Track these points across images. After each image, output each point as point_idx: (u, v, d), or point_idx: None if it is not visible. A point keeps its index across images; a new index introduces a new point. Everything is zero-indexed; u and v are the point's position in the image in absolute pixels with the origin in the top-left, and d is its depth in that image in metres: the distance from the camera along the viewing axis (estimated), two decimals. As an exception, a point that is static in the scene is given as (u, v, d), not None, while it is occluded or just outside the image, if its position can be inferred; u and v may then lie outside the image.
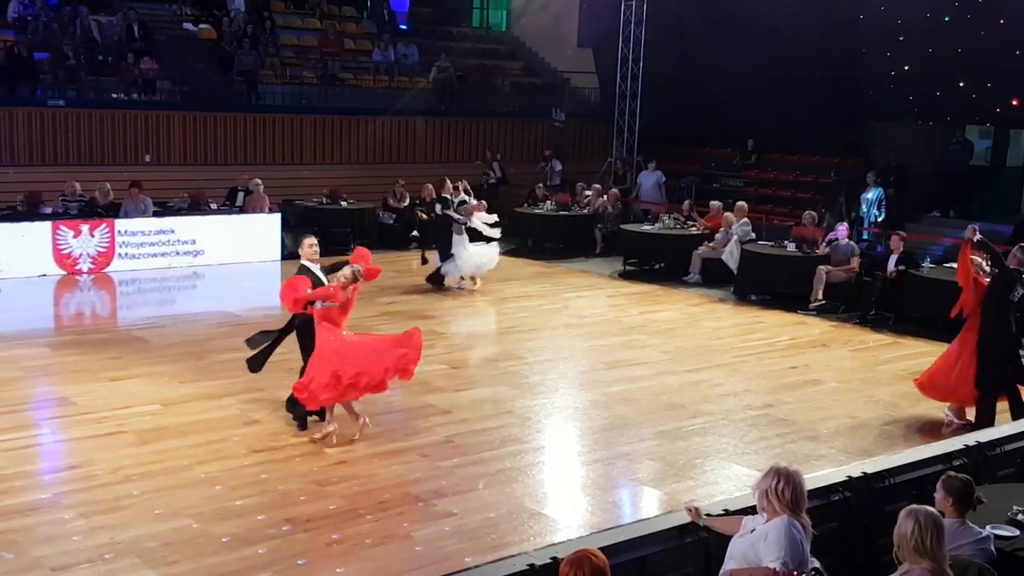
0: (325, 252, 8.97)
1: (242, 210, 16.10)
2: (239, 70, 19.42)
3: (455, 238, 13.88)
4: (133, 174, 16.22)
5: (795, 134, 18.62)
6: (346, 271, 7.93)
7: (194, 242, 15.04)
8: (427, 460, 7.71)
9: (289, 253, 14.97)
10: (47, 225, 13.98)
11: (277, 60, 20.51)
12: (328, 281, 8.03)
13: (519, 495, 7.14)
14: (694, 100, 19.48)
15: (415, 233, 17.68)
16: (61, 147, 17.04)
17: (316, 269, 8.20)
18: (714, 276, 15.03)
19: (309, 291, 7.89)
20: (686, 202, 17.12)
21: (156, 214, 15.21)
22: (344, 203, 17.40)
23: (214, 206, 16.04)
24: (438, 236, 14.24)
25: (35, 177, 16.01)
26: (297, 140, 19.57)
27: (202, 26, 20.40)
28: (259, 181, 16.31)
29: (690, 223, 16.27)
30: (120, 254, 14.44)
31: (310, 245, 8.32)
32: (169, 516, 6.49)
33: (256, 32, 20.32)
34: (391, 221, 17.85)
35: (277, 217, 15.98)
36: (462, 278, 14.22)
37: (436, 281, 14.21)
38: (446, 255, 13.97)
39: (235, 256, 15.16)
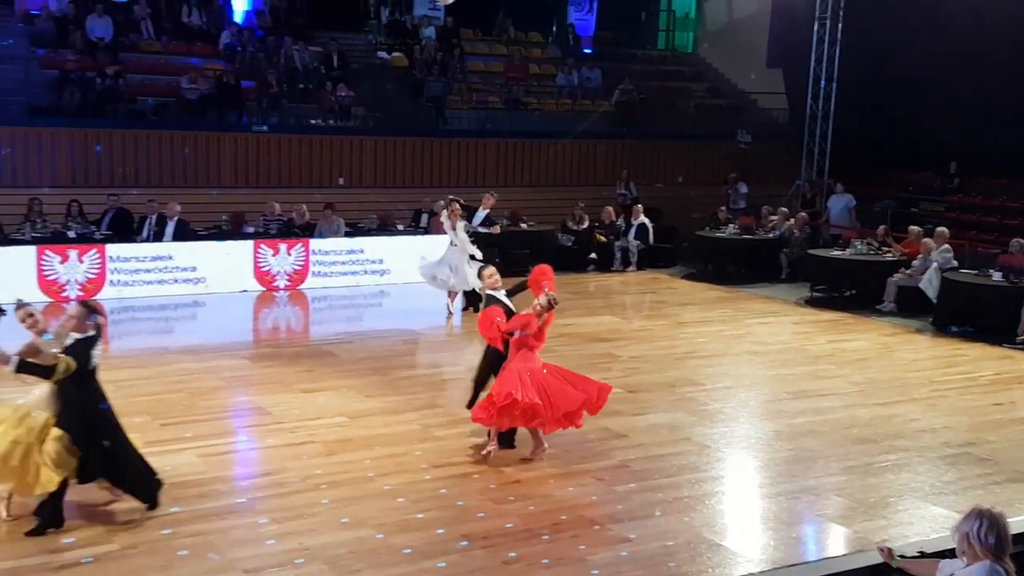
0: (505, 273, 9.08)
1: (426, 231, 16.56)
2: (428, 96, 20.06)
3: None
4: (327, 196, 16.99)
5: (1003, 157, 17.49)
6: (541, 299, 8.00)
7: (381, 262, 15.57)
8: (602, 484, 7.64)
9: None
10: (249, 244, 14.82)
11: (464, 86, 21.05)
12: (511, 304, 8.11)
13: (697, 525, 6.96)
14: (890, 121, 18.66)
15: (593, 255, 17.71)
16: (263, 170, 18.04)
17: (503, 296, 8.32)
18: (910, 305, 14.27)
19: (504, 323, 8.02)
20: (881, 227, 16.36)
21: (347, 234, 15.87)
22: (524, 225, 17.62)
23: (400, 227, 16.59)
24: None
25: (239, 198, 17.02)
26: (480, 163, 19.98)
27: (395, 54, 21.19)
28: (443, 203, 16.73)
29: (884, 249, 15.54)
30: (314, 272, 15.12)
31: (490, 275, 8.46)
32: (354, 525, 6.69)
33: (445, 59, 20.95)
34: (570, 243, 17.94)
35: (460, 238, 16.32)
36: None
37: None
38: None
39: (419, 276, 15.57)
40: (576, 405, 7.92)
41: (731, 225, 17.71)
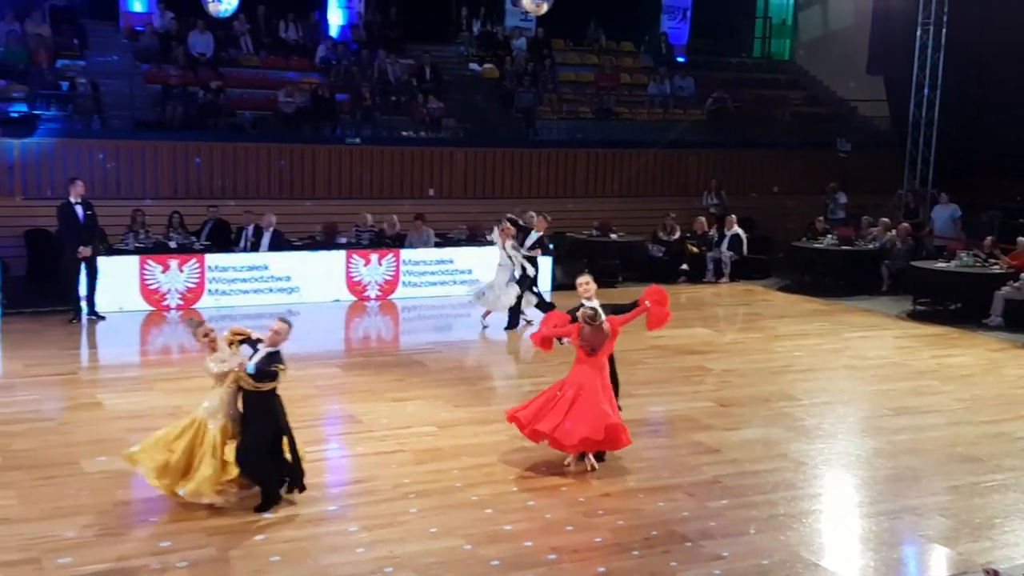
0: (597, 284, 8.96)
1: (517, 242, 16.55)
2: (518, 107, 20.10)
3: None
4: (417, 207, 17.14)
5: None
6: (586, 310, 7.91)
7: (471, 272, 15.61)
8: (694, 499, 7.47)
9: (559, 284, 15.21)
10: (341, 254, 15.03)
11: (555, 96, 21.03)
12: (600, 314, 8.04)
13: (793, 543, 6.74)
14: (998, 129, 17.94)
15: (685, 267, 17.46)
16: (356, 182, 18.31)
17: (594, 305, 8.21)
18: (1018, 319, 13.70)
19: (550, 328, 8.04)
20: (988, 238, 15.72)
21: (437, 245, 15.97)
22: (614, 236, 17.47)
23: (490, 237, 16.59)
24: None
25: (332, 209, 17.29)
26: (570, 174, 19.91)
27: (486, 66, 21.30)
28: (533, 214, 16.69)
29: (991, 261, 14.93)
30: (404, 282, 15.24)
31: (582, 284, 8.36)
32: (443, 535, 6.67)
33: (536, 70, 20.97)
34: (660, 254, 17.72)
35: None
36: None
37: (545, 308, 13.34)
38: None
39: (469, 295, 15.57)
40: (595, 436, 7.70)
41: (829, 236, 17.26)
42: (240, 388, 6.94)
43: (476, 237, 16.46)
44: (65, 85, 17.10)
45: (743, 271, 17.66)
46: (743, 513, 7.22)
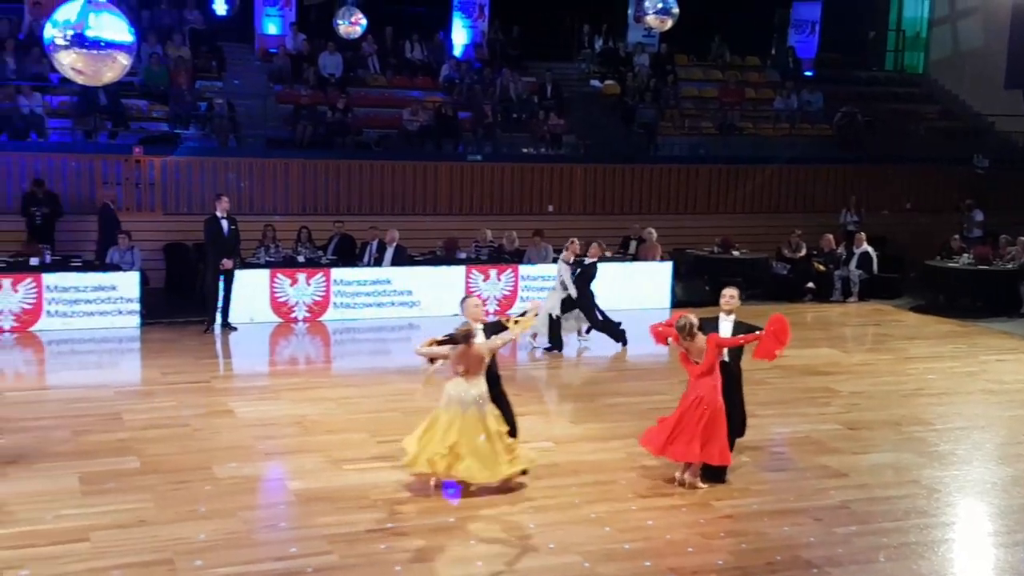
0: (715, 302, 8.82)
1: (635, 258, 16.44)
2: (640, 123, 20.01)
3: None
4: (537, 223, 17.22)
5: None
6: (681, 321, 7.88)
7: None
8: (820, 524, 7.23)
9: (679, 301, 15.02)
10: (461, 269, 15.21)
11: (677, 112, 20.85)
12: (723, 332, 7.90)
13: (925, 573, 6.46)
14: None
15: (810, 285, 17.00)
16: (476, 198, 18.54)
17: (723, 320, 8.08)
18: None
19: (660, 329, 8.04)
20: None
21: (555, 260, 15.97)
22: (736, 252, 17.17)
23: (608, 253, 16.54)
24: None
25: (453, 225, 17.54)
26: (691, 189, 19.69)
27: (607, 82, 21.29)
28: (652, 230, 16.58)
29: None
30: (522, 297, 15.30)
31: (726, 295, 8.24)
32: (560, 551, 6.64)
33: (658, 85, 20.85)
34: (784, 272, 17.31)
35: (669, 266, 16.12)
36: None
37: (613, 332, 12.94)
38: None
39: (626, 303, 15.43)
40: (693, 447, 7.63)
41: (965, 255, 16.54)
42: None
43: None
44: (203, 105, 17.89)
45: (872, 290, 17.08)
46: (872, 540, 6.95)
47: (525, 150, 19.31)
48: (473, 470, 7.44)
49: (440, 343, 7.77)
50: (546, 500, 7.54)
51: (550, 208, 18.92)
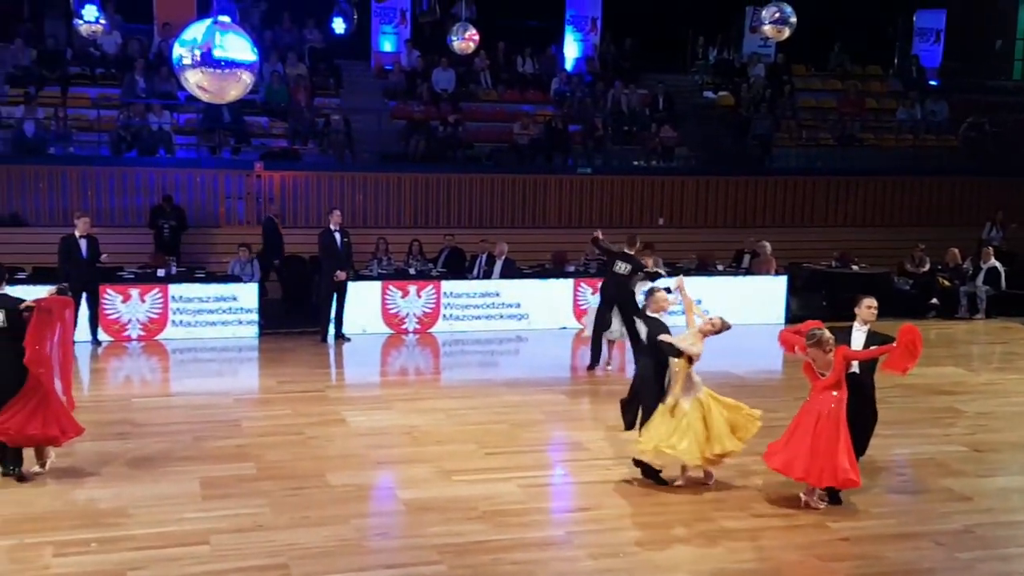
0: (833, 317, 8.58)
1: (748, 272, 16.12)
2: (754, 134, 19.67)
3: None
4: (647, 236, 17.04)
5: None
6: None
7: (699, 303, 15.27)
8: (943, 549, 6.92)
9: (794, 316, 14.64)
10: (569, 282, 15.18)
11: (793, 123, 20.42)
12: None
13: (1059, 607, 6.11)
14: None
15: (934, 301, 16.38)
16: (585, 211, 18.50)
17: (856, 331, 7.82)
18: None
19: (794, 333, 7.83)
20: None
21: (668, 274, 15.80)
22: (855, 267, 16.66)
23: (720, 267, 16.28)
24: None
25: (561, 238, 17.55)
26: (808, 202, 19.23)
27: (721, 93, 21.02)
28: (767, 244, 16.23)
29: None
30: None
31: (866, 305, 7.99)
32: (669, 569, 6.53)
33: (774, 96, 20.46)
34: (907, 287, 16.70)
35: (783, 280, 15.75)
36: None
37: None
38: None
39: (740, 317, 15.06)
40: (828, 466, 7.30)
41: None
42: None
43: (706, 266, 16.18)
44: (321, 122, 18.39)
45: (1000, 307, 16.33)
46: (997, 567, 6.63)
47: (636, 163, 19.19)
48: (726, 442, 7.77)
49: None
50: (652, 517, 7.43)
51: (660, 221, 18.75)
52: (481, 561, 6.59)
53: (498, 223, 17.87)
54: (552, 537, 7.08)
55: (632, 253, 12.03)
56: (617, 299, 11.90)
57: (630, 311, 11.46)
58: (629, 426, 8.25)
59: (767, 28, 11.81)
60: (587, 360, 12.24)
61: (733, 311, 14.13)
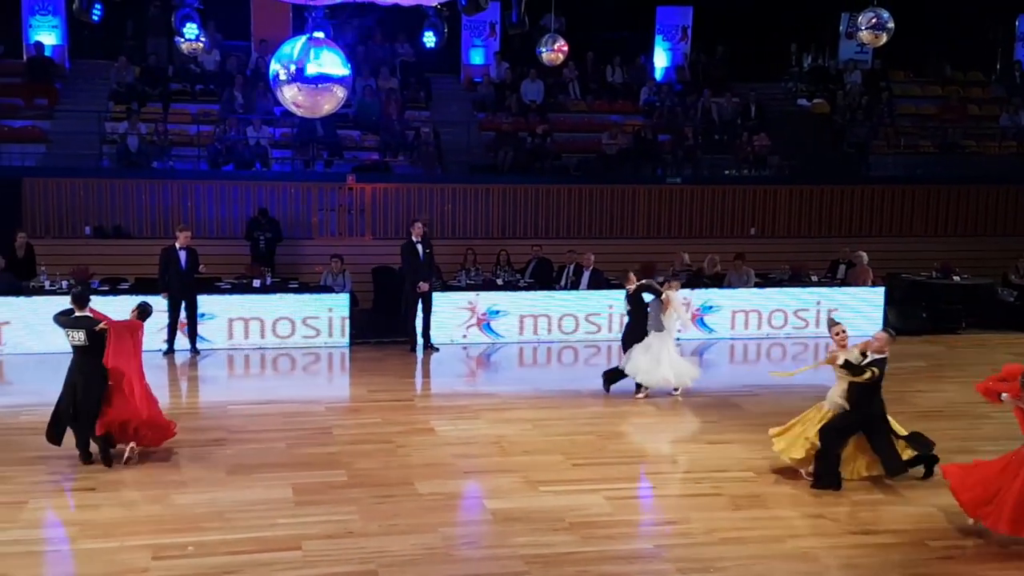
0: (933, 330, 8.30)
1: (843, 283, 15.73)
2: (850, 142, 19.22)
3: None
4: (738, 246, 16.81)
5: None
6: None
7: (795, 313, 15.05)
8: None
9: (893, 328, 14.21)
10: (660, 292, 15.03)
11: (891, 130, 19.90)
12: None
13: None
14: None
15: (1041, 312, 15.72)
16: (675, 221, 18.32)
17: None
18: None
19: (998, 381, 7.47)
20: None
21: (757, 285, 15.54)
22: (957, 278, 16.09)
23: (815, 278, 15.92)
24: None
25: (649, 248, 17.40)
26: (907, 211, 18.70)
27: (816, 101, 20.60)
28: (863, 254, 15.81)
29: None
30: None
31: None
32: (759, 586, 6.40)
33: (871, 103, 19.97)
34: (1012, 299, 16.06)
35: (881, 291, 15.31)
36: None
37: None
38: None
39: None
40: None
41: None
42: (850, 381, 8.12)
43: (800, 277, 15.85)
44: (411, 135, 18.63)
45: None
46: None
47: (727, 172, 18.93)
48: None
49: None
50: (745, 532, 7.29)
51: (752, 231, 18.45)
52: (568, 573, 6.55)
53: (586, 233, 17.82)
54: (640, 550, 7.00)
55: (641, 284, 11.38)
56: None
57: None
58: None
59: (864, 34, 11.54)
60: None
61: (824, 323, 13.89)
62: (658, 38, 21.26)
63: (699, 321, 14.93)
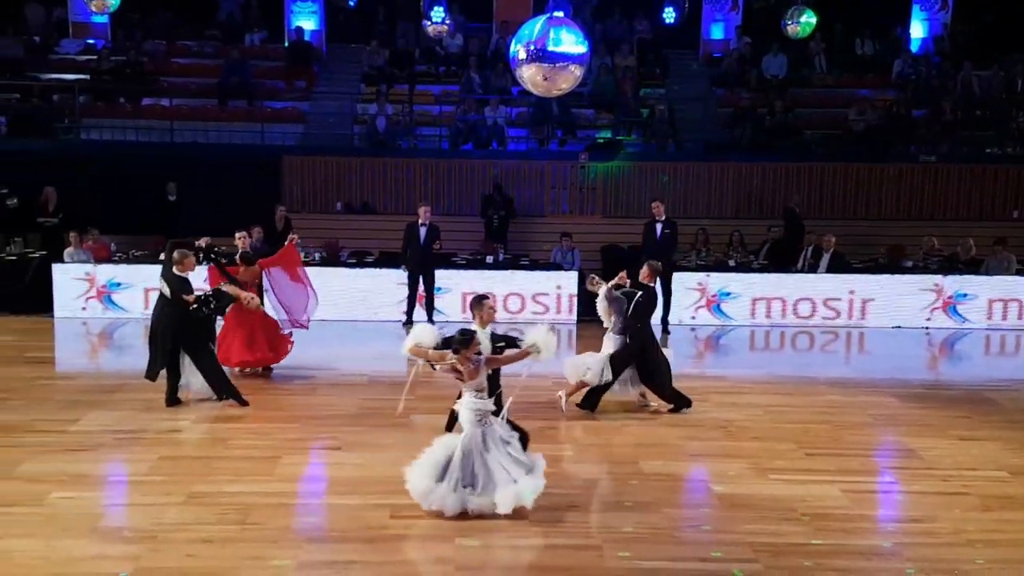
0: None
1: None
2: None
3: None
4: (998, 230, 15.56)
5: None
6: None
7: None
8: None
9: None
10: (905, 278, 14.17)
11: None
12: None
13: None
14: None
15: None
16: (927, 202, 17.18)
17: None
18: None
19: None
20: None
21: (1019, 273, 14.33)
22: None
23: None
24: None
25: (897, 231, 16.42)
26: None
27: (1093, 72, 18.67)
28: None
29: None
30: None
31: None
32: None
33: None
34: None
35: None
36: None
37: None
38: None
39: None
40: None
41: None
42: None
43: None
44: (645, 112, 18.48)
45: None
46: None
47: (989, 150, 17.53)
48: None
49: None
50: (996, 535, 6.76)
51: (1015, 214, 17.01)
52: (800, 564, 6.31)
53: (828, 214, 17.05)
54: (878, 547, 6.63)
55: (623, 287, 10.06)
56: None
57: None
58: None
59: None
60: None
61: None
62: (915, 8, 19.93)
63: (951, 309, 13.98)
